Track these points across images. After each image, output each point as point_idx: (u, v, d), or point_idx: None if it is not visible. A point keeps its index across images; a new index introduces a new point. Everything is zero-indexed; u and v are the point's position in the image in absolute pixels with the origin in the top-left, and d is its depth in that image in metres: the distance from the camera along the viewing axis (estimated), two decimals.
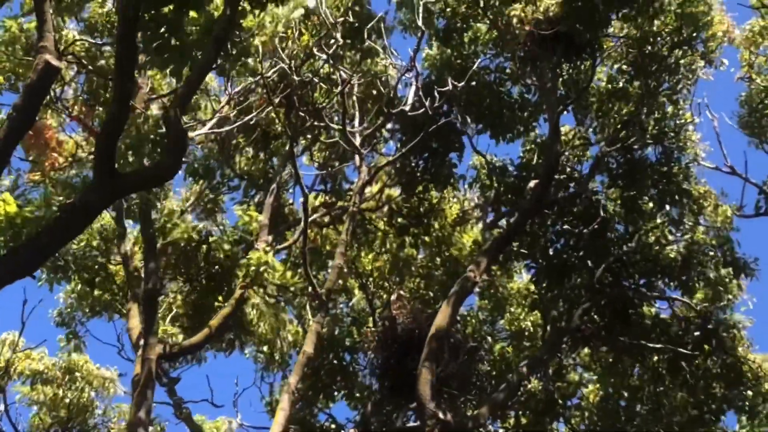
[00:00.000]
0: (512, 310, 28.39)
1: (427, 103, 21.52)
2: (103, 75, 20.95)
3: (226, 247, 23.81)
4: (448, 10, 24.36)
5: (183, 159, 15.56)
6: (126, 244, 22.75)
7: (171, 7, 15.21)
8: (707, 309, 25.49)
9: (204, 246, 23.92)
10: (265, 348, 27.18)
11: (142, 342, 20.27)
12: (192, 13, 15.46)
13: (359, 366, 26.21)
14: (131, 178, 15.13)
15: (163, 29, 15.50)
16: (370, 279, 27.51)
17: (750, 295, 26.68)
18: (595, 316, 24.69)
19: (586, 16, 21.67)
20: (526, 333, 27.61)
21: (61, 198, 15.24)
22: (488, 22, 24.08)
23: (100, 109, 21.74)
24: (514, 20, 22.13)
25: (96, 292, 24.79)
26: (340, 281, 24.35)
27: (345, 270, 23.40)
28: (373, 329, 25.32)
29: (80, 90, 21.74)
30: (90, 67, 20.89)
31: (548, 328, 24.73)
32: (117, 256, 24.09)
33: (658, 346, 24.31)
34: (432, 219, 26.43)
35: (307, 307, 22.35)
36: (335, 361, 25.83)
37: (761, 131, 25.40)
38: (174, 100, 15.68)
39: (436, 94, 21.58)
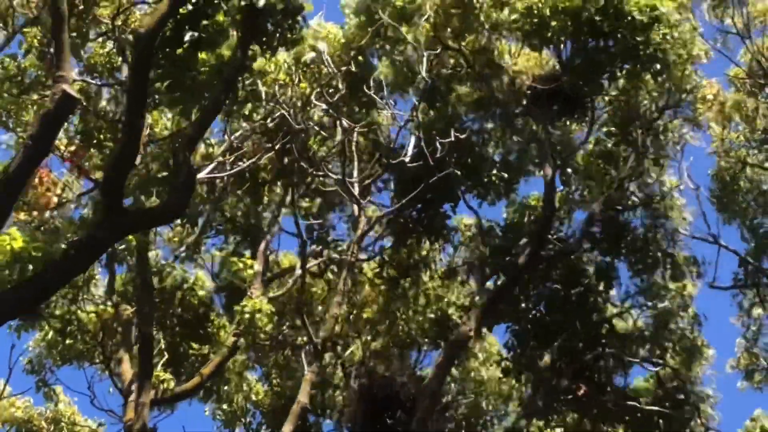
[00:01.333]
0: (477, 366, 28.22)
1: (427, 153, 21.44)
2: (101, 116, 20.80)
3: (201, 293, 23.56)
4: (434, 71, 24.36)
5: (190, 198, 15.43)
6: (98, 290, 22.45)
7: (185, 46, 15.20)
8: (681, 381, 25.50)
9: (179, 293, 23.65)
10: (224, 406, 26.91)
11: (133, 387, 19.93)
12: (203, 54, 15.42)
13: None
14: (139, 215, 15.01)
15: (175, 68, 15.46)
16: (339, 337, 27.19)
17: (714, 371, 26.96)
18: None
19: (587, 72, 21.74)
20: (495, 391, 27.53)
21: (69, 234, 14.90)
22: (474, 81, 24.08)
23: (93, 150, 21.56)
24: (518, 75, 22.20)
25: (67, 341, 24.35)
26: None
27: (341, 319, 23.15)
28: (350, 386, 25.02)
29: (73, 130, 21.50)
30: (88, 107, 20.72)
31: (534, 387, 24.56)
32: (88, 305, 23.74)
33: (647, 407, 24.17)
34: (422, 272, 26.23)
35: (302, 356, 22.07)
36: None
37: (731, 205, 25.53)
38: (183, 140, 15.56)
39: (438, 145, 21.54)
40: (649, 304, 25.94)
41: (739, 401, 41.22)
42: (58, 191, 21.83)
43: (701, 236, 25.22)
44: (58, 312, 23.20)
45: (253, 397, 27.42)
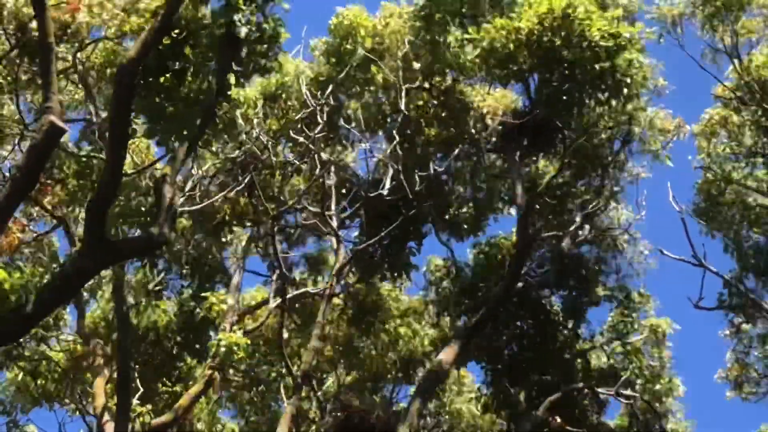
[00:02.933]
0: (445, 400, 28.23)
1: (407, 187, 21.47)
2: (65, 151, 20.70)
3: (171, 334, 23.44)
4: (402, 111, 24.46)
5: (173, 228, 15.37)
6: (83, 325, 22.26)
7: (168, 75, 15.19)
8: (656, 411, 25.68)
9: (152, 333, 23.50)
10: None
11: (106, 418, 19.73)
12: (186, 83, 15.41)
13: None
14: (122, 245, 14.93)
15: (156, 98, 15.44)
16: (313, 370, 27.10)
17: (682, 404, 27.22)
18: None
19: (556, 103, 21.82)
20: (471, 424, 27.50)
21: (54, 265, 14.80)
22: (443, 121, 24.19)
23: (58, 187, 21.44)
24: (487, 113, 22.29)
25: (39, 381, 24.09)
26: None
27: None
28: (323, 421, 24.91)
29: None
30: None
31: (512, 422, 24.60)
32: (58, 344, 23.54)
33: None
34: (381, 311, 26.28)
35: (281, 389, 21.95)
36: None
37: (715, 217, 25.74)
38: (165, 171, 15.52)
39: (417, 178, 21.59)
40: (617, 342, 26.01)
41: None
42: (23, 225, 21.71)
43: (686, 259, 25.36)
44: (27, 353, 22.90)
45: None
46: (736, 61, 24.92)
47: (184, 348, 24.11)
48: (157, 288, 24.31)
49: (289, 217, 25.50)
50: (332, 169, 22.50)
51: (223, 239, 25.15)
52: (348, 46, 22.92)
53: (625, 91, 21.41)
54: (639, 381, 26.10)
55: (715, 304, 25.50)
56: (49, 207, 21.71)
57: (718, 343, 27.51)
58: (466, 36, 22.03)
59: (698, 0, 24.80)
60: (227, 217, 24.30)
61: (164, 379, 24.06)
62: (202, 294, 22.82)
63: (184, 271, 25.35)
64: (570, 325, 25.65)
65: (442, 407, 28.31)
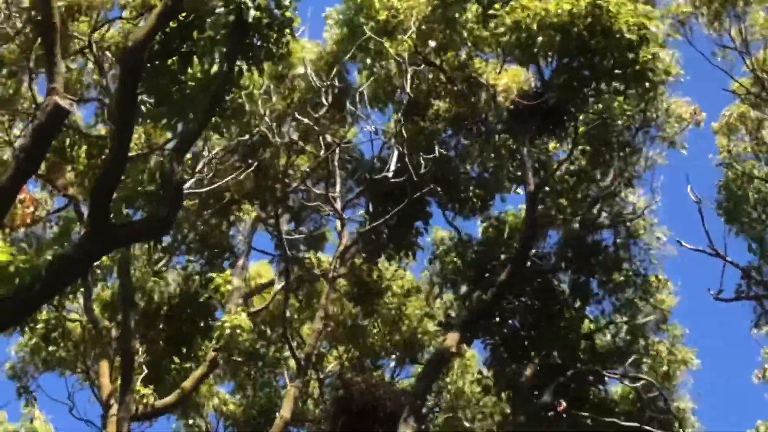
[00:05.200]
0: (448, 380, 28.27)
1: (411, 169, 21.45)
2: (77, 132, 20.66)
3: (189, 311, 23.50)
4: (413, 86, 24.38)
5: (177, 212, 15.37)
6: (91, 303, 22.31)
7: (175, 58, 15.15)
8: (661, 390, 25.66)
9: (165, 308, 23.57)
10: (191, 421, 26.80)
11: (112, 401, 19.82)
12: (192, 68, 15.36)
13: None
14: (126, 229, 14.89)
15: (163, 82, 15.42)
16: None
17: (690, 377, 27.18)
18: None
19: (571, 88, 21.78)
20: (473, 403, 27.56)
21: (56, 247, 14.80)
22: (452, 97, 24.11)
23: (68, 167, 21.41)
24: (500, 92, 22.22)
25: (50, 348, 24.18)
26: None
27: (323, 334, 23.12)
28: (328, 400, 25.02)
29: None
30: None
31: (514, 403, 24.62)
32: (74, 313, 23.63)
33: (627, 424, 24.26)
34: (385, 289, 26.29)
35: (284, 372, 22.04)
36: None
37: (738, 217, 25.59)
38: (170, 154, 15.51)
39: (422, 160, 21.57)
40: (625, 319, 25.99)
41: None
42: (32, 208, 21.67)
43: (705, 249, 25.27)
44: (43, 317, 22.99)
45: (224, 409, 27.36)
46: (746, 57, 24.71)
47: (190, 325, 24.16)
48: (162, 267, 24.32)
49: (298, 196, 25.40)
50: (337, 150, 22.40)
51: (232, 217, 25.13)
52: (361, 18, 22.77)
53: (646, 84, 21.34)
54: (646, 361, 26.09)
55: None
56: (62, 186, 21.71)
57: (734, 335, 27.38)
58: (490, 12, 21.96)
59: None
60: (235, 196, 24.32)
61: (173, 357, 24.10)
62: (208, 275, 22.84)
63: (192, 246, 25.37)
64: (577, 305, 25.63)
65: (444, 387, 28.32)
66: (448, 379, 28.07)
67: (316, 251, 25.58)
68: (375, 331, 27.11)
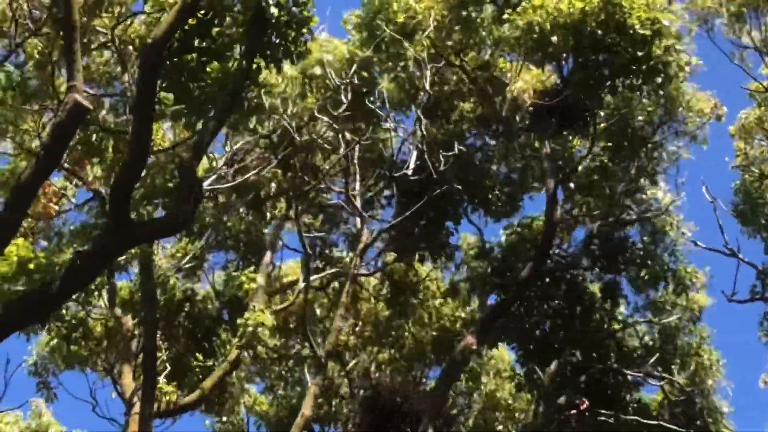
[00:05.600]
0: (484, 381, 28.21)
1: (431, 166, 21.48)
2: (102, 127, 20.72)
3: (210, 307, 23.58)
4: (435, 87, 24.38)
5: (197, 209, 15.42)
6: (114, 302, 22.42)
7: (194, 55, 15.19)
8: (689, 392, 25.50)
9: (188, 305, 23.65)
10: (224, 418, 26.85)
11: (135, 399, 19.90)
12: (211, 65, 15.40)
13: None
14: (146, 226, 15.01)
15: (183, 79, 15.46)
16: (346, 349, 27.20)
17: (729, 381, 26.90)
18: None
19: (588, 86, 21.73)
20: (503, 403, 27.50)
21: (75, 244, 14.87)
22: (475, 98, 24.09)
23: (95, 161, 21.47)
24: (520, 91, 22.17)
25: (72, 347, 24.31)
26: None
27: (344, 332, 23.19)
28: (353, 398, 25.03)
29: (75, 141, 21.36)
30: (89, 118, 20.58)
31: (539, 402, 24.58)
32: (95, 311, 23.72)
33: (653, 423, 24.15)
34: (420, 290, 26.24)
35: (306, 369, 22.09)
36: None
37: (755, 219, 25.42)
38: (189, 151, 15.56)
39: (441, 157, 21.58)
40: (655, 319, 25.85)
41: None
42: (56, 200, 21.75)
43: (719, 249, 25.13)
44: (66, 316, 23.11)
45: (257, 409, 27.41)
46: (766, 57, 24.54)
47: (218, 323, 24.28)
48: (191, 264, 24.44)
49: (331, 195, 25.46)
50: (356, 148, 22.42)
51: (268, 214, 25.22)
52: (379, 21, 22.80)
53: (660, 78, 21.21)
54: (676, 360, 25.96)
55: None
56: (87, 180, 21.77)
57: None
58: (504, 15, 21.93)
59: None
60: (270, 192, 24.41)
61: (197, 354, 24.20)
62: (233, 273, 22.91)
63: (229, 242, 25.49)
64: (606, 305, 25.53)
65: (475, 389, 28.29)
66: (484, 380, 28.08)
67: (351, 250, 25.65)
68: (407, 331, 27.09)
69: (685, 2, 24.32)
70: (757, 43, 24.48)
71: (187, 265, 24.86)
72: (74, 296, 22.68)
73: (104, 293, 22.48)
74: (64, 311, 23.02)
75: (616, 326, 25.79)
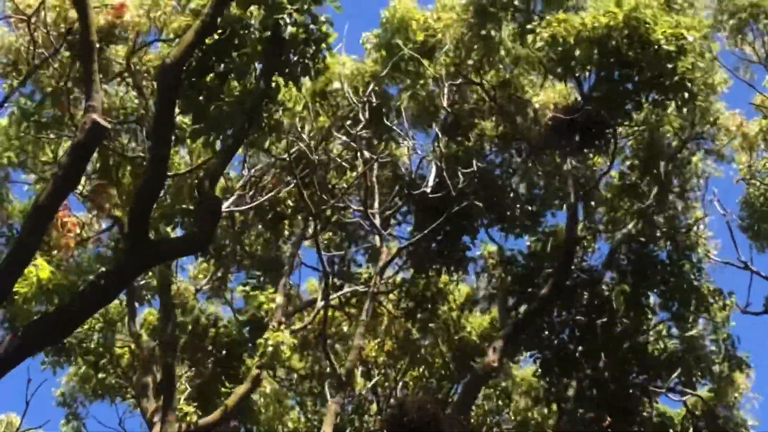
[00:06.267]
0: (516, 398, 28.11)
1: (450, 183, 21.46)
2: (119, 154, 20.77)
3: (234, 332, 23.63)
4: (456, 105, 24.38)
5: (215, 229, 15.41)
6: (135, 325, 22.47)
7: (212, 75, 15.21)
8: (713, 405, 25.32)
9: (213, 330, 23.70)
10: None
11: (156, 419, 19.89)
12: (232, 84, 15.42)
13: None
14: (164, 246, 14.99)
15: (200, 99, 15.48)
16: (374, 366, 27.16)
17: (755, 393, 26.66)
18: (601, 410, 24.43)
19: (611, 101, 21.68)
20: (532, 423, 27.34)
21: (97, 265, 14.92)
22: (496, 115, 24.08)
23: (113, 190, 21.51)
24: (541, 108, 22.17)
25: (100, 375, 24.37)
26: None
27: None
28: (379, 417, 24.98)
29: (91, 169, 21.41)
30: (107, 145, 20.65)
31: (560, 417, 24.44)
32: (121, 340, 23.80)
33: None
34: (439, 303, 26.17)
35: (326, 388, 22.01)
36: None
37: (761, 235, 25.36)
38: (207, 170, 15.56)
39: (460, 174, 21.57)
40: (676, 332, 25.73)
41: None
42: (77, 231, 21.76)
43: (733, 262, 25.04)
44: (92, 345, 23.17)
45: (290, 425, 27.36)
46: None
47: (242, 347, 24.28)
48: (209, 286, 24.45)
49: (350, 213, 25.44)
50: (375, 166, 22.44)
51: (286, 232, 25.24)
52: (398, 41, 22.83)
53: (685, 94, 21.18)
54: (698, 373, 25.77)
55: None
56: (107, 208, 21.82)
57: None
58: (528, 26, 21.93)
59: (724, 14, 24.45)
60: (288, 210, 24.43)
61: (222, 378, 24.19)
62: (251, 292, 22.87)
63: (247, 263, 25.51)
64: (629, 318, 25.40)
65: (503, 405, 28.21)
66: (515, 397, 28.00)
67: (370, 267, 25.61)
68: (429, 345, 27.02)
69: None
70: (760, 56, 24.47)
71: (206, 287, 24.95)
72: (99, 327, 22.91)
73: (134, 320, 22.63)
74: (90, 344, 23.21)
75: (640, 338, 25.60)
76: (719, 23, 24.67)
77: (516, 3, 22.75)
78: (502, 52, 22.65)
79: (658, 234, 25.41)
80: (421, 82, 23.04)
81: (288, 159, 21.44)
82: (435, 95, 23.46)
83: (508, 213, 24.90)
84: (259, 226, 24.67)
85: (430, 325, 26.19)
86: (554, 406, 25.75)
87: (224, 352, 23.69)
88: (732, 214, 25.20)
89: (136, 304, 23.26)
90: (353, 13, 26.21)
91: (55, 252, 20.29)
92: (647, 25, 20.69)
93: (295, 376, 25.70)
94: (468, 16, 22.66)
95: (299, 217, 24.49)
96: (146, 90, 19.83)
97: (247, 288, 24.02)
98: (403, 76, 23.17)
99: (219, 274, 25.12)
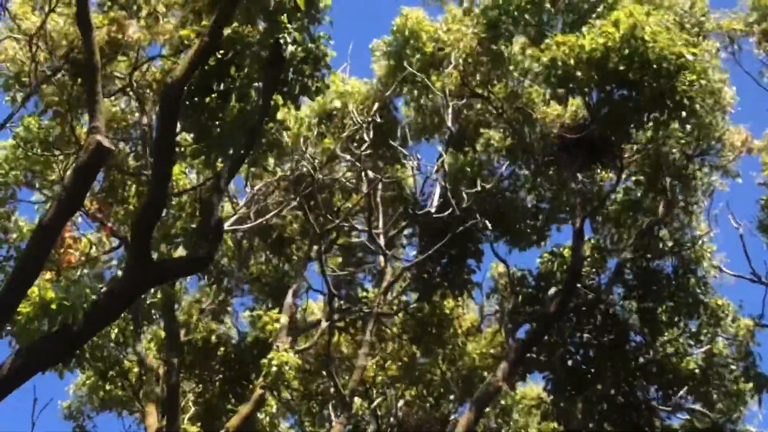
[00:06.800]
0: (516, 417, 28.00)
1: (453, 204, 21.46)
2: (124, 171, 20.85)
3: (240, 351, 23.63)
4: (462, 117, 24.41)
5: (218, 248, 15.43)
6: (141, 344, 22.47)
7: (214, 95, 15.28)
8: (722, 421, 25.20)
9: (221, 349, 23.70)
10: None
11: None
12: (233, 103, 15.50)
13: None
14: (167, 265, 15.01)
15: (202, 118, 15.55)
16: (372, 385, 27.10)
17: (761, 410, 26.51)
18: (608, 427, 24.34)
19: (614, 121, 21.68)
20: None
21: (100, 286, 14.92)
22: (504, 127, 24.09)
23: (118, 208, 21.57)
24: (547, 124, 22.17)
25: (107, 386, 24.35)
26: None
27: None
28: None
29: (97, 186, 21.46)
30: (111, 163, 20.71)
31: None
32: (132, 354, 23.84)
33: None
34: (445, 328, 26.13)
35: (330, 408, 22.02)
36: None
37: None
38: (209, 189, 15.61)
39: (464, 195, 21.57)
40: (693, 349, 25.60)
41: None
42: (83, 248, 21.79)
43: (745, 276, 24.95)
44: (104, 353, 23.21)
45: None
46: None
47: (246, 367, 24.31)
48: (213, 306, 24.47)
49: (354, 234, 25.46)
50: (379, 186, 22.46)
51: (294, 257, 25.26)
52: (407, 51, 22.84)
53: (684, 113, 21.18)
54: (714, 391, 25.64)
55: None
56: (113, 226, 21.85)
57: None
58: (528, 52, 21.98)
59: (754, 17, 24.42)
60: (290, 232, 24.45)
61: (229, 396, 24.22)
62: (255, 313, 22.92)
63: (247, 287, 25.54)
64: (642, 335, 25.32)
65: (504, 424, 28.10)
66: (515, 416, 27.91)
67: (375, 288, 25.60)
68: (432, 368, 26.96)
69: (713, 25, 24.22)
70: None
71: (210, 307, 24.96)
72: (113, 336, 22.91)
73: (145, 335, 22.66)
74: (99, 353, 23.17)
75: (653, 356, 25.51)
76: (749, 26, 24.65)
77: (527, 17, 22.84)
78: (511, 66, 22.67)
79: (664, 249, 25.35)
80: (429, 95, 23.02)
81: (290, 179, 21.49)
82: (441, 106, 23.43)
83: (516, 226, 24.87)
84: (265, 251, 24.65)
85: (435, 348, 26.11)
86: (556, 424, 25.69)
87: (231, 371, 23.77)
88: (743, 226, 25.08)
89: (145, 323, 23.36)
90: (364, 21, 26.22)
91: (56, 269, 20.48)
92: (646, 44, 20.70)
93: (295, 395, 25.63)
94: (478, 30, 22.71)
95: (305, 240, 24.53)
96: (148, 105, 19.91)
97: (254, 313, 24.15)
98: (411, 87, 23.20)
99: (221, 297, 25.07)
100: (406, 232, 24.57)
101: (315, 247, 23.58)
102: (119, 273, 21.52)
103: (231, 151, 15.48)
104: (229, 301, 25.99)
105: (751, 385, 25.04)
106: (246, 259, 25.18)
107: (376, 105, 22.31)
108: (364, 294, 25.82)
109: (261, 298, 25.89)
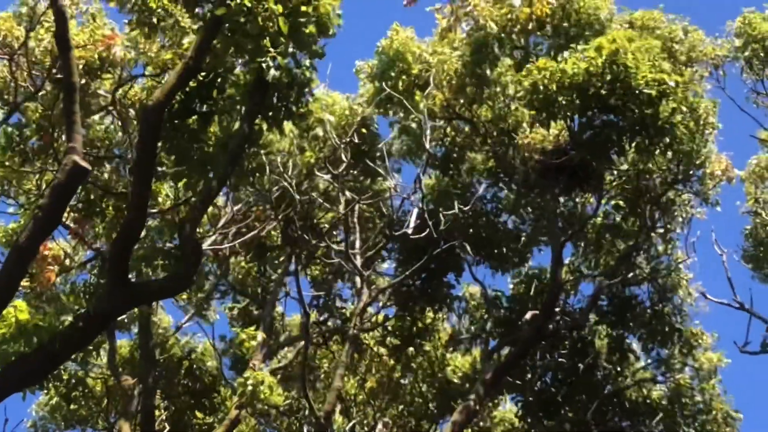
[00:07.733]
0: None
1: (431, 226, 21.45)
2: (103, 188, 20.75)
3: (210, 363, 23.55)
4: (447, 139, 24.39)
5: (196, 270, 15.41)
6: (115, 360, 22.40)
7: (195, 117, 15.28)
8: None
9: (186, 362, 23.64)
10: None
11: None
12: (215, 126, 15.48)
13: None
14: (144, 287, 15.00)
15: (183, 140, 15.54)
16: (353, 404, 27.05)
17: None
18: None
19: (596, 146, 21.71)
20: None
21: (75, 306, 14.90)
22: (487, 150, 24.09)
23: (97, 220, 21.48)
24: (528, 148, 22.16)
25: (72, 406, 24.22)
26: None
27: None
28: None
29: (76, 200, 21.36)
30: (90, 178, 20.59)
31: None
32: (95, 370, 23.70)
33: None
34: (424, 340, 26.11)
35: (304, 429, 21.95)
36: None
37: (764, 265, 25.31)
38: (188, 213, 15.59)
39: (441, 217, 21.56)
40: (660, 378, 25.67)
41: None
42: (59, 261, 21.67)
43: (729, 303, 24.99)
44: (64, 376, 23.06)
45: None
46: None
47: (218, 380, 24.25)
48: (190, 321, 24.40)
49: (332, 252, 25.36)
50: (356, 207, 22.44)
51: (265, 270, 25.19)
52: (392, 73, 22.80)
53: (667, 139, 21.24)
54: (683, 420, 25.68)
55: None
56: (90, 239, 21.77)
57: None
58: (508, 76, 21.99)
59: (740, 44, 24.48)
60: (271, 246, 24.38)
61: (196, 411, 24.11)
62: (233, 329, 22.87)
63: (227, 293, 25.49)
64: (611, 362, 25.37)
65: None
66: None
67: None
68: (410, 382, 26.91)
69: (697, 53, 24.30)
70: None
71: (187, 324, 24.87)
72: (73, 356, 22.76)
73: (102, 352, 22.45)
74: (62, 370, 22.99)
75: (622, 383, 25.57)
76: (735, 51, 24.74)
77: (513, 38, 22.85)
78: (497, 89, 22.65)
79: (640, 276, 25.39)
80: (413, 117, 22.97)
81: (270, 197, 21.42)
82: (425, 127, 23.38)
83: (496, 251, 24.88)
84: (243, 261, 24.57)
85: (414, 362, 26.09)
86: None
87: (198, 384, 23.71)
88: (726, 254, 25.13)
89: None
90: (350, 42, 26.20)
91: (35, 285, 20.37)
92: (628, 70, 20.72)
93: (273, 412, 25.54)
94: (463, 52, 22.72)
95: (285, 248, 24.44)
96: (130, 124, 19.84)
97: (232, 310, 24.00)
98: (396, 108, 23.15)
99: (199, 299, 24.91)
100: (384, 252, 24.52)
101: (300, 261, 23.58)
102: (91, 278, 21.55)
103: (211, 174, 15.43)
104: (208, 306, 25.86)
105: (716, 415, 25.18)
106: (226, 272, 25.08)
107: (356, 123, 22.19)
108: (343, 307, 25.75)
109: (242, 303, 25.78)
